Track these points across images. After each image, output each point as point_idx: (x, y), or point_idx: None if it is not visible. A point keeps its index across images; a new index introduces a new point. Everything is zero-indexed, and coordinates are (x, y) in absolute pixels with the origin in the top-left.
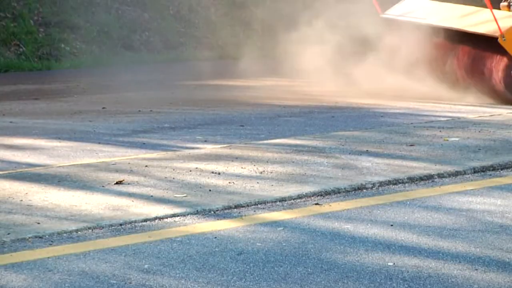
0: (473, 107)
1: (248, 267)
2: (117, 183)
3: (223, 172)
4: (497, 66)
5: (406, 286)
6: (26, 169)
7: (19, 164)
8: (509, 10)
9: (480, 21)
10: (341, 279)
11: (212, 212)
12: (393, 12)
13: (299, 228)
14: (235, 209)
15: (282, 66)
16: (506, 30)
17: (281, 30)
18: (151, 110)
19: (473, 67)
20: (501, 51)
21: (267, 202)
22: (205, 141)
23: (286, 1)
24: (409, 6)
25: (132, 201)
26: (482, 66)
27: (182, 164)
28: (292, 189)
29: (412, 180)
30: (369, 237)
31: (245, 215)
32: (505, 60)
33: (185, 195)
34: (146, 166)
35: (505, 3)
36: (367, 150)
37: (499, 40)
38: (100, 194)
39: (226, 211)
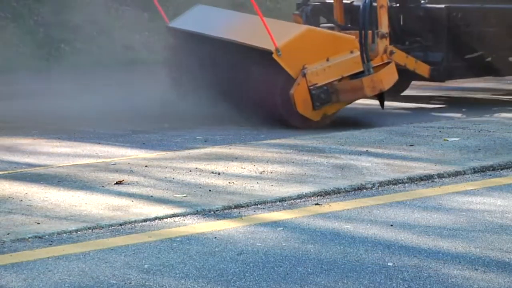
0: (472, 107)
1: (248, 267)
2: (117, 183)
3: (223, 172)
4: (276, 85)
5: (406, 286)
6: (26, 169)
7: (19, 164)
8: (302, 20)
9: (263, 33)
10: (341, 279)
11: (212, 212)
12: (179, 21)
13: (299, 228)
14: (235, 209)
15: None
16: (283, 44)
17: None
18: (151, 110)
19: (255, 86)
20: (280, 67)
21: (267, 202)
22: (205, 141)
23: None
24: (196, 15)
25: (132, 201)
26: (263, 84)
27: (182, 164)
28: (292, 189)
29: (412, 180)
30: (369, 237)
31: (245, 215)
32: (283, 78)
33: (185, 195)
34: (146, 166)
35: (298, 12)
36: (367, 150)
37: (274, 55)
38: (100, 194)
39: (226, 211)
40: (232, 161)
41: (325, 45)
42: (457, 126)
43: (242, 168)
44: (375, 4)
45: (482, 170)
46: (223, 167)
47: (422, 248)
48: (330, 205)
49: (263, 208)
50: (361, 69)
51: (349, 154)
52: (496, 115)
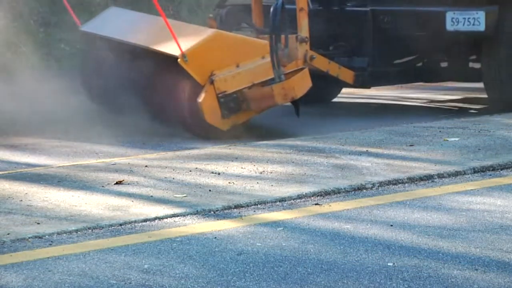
0: (472, 107)
1: (248, 267)
2: (117, 183)
3: (223, 172)
4: (183, 92)
5: (406, 286)
6: (26, 169)
7: (19, 164)
8: (215, 24)
9: (171, 37)
10: (341, 279)
11: (212, 212)
12: (91, 25)
13: (299, 228)
14: (235, 209)
15: None
16: (189, 49)
17: None
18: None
19: (162, 93)
20: (187, 74)
21: (267, 202)
22: (205, 141)
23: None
24: (108, 18)
25: (132, 201)
26: (171, 92)
27: (182, 164)
28: (292, 189)
29: (412, 180)
30: (369, 237)
31: (245, 215)
32: (189, 85)
33: (185, 195)
34: (146, 166)
35: (212, 16)
36: (367, 150)
37: (180, 61)
38: (100, 194)
39: (226, 211)
40: (232, 161)
41: (235, 50)
42: (457, 126)
43: (242, 168)
44: (294, 6)
45: (482, 170)
46: (223, 167)
47: (422, 248)
48: (330, 205)
49: (263, 208)
50: (273, 75)
51: (349, 154)
52: (496, 115)
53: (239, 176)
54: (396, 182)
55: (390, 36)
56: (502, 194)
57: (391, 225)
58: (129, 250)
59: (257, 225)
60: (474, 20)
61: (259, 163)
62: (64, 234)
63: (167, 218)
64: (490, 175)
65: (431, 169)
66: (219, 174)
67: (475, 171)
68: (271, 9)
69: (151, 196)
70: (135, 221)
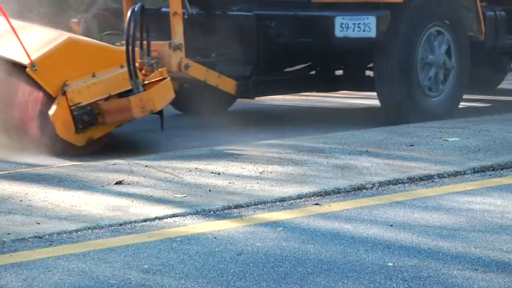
0: (472, 107)
1: (248, 267)
2: (117, 183)
3: (223, 172)
4: (36, 104)
5: (406, 286)
6: (26, 169)
7: (19, 164)
8: (79, 29)
9: (28, 44)
10: (341, 279)
11: (212, 212)
12: None
13: (299, 228)
14: (235, 209)
15: None
16: (39, 57)
17: None
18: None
19: (16, 106)
20: (38, 84)
21: (267, 202)
22: (205, 141)
23: None
24: None
25: (132, 201)
26: (24, 104)
27: (182, 164)
28: (292, 189)
29: (412, 180)
30: (369, 237)
31: (245, 215)
32: (42, 96)
33: (185, 195)
34: (146, 166)
35: (76, 20)
36: (367, 150)
37: (29, 70)
38: (100, 194)
39: (226, 211)
40: (232, 161)
41: (91, 59)
42: (457, 126)
43: (242, 168)
44: (166, 10)
45: (482, 170)
46: (223, 167)
47: (422, 248)
48: (330, 205)
49: (263, 208)
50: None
51: (349, 154)
52: (496, 115)
53: (239, 176)
54: (396, 182)
55: (277, 42)
56: (502, 194)
57: (391, 225)
58: (129, 250)
59: (257, 225)
60: (365, 26)
61: (259, 163)
62: (64, 234)
63: (167, 218)
64: (490, 175)
65: (431, 169)
66: (219, 174)
67: (475, 171)
68: (128, 12)
69: (151, 196)
70: (135, 221)
